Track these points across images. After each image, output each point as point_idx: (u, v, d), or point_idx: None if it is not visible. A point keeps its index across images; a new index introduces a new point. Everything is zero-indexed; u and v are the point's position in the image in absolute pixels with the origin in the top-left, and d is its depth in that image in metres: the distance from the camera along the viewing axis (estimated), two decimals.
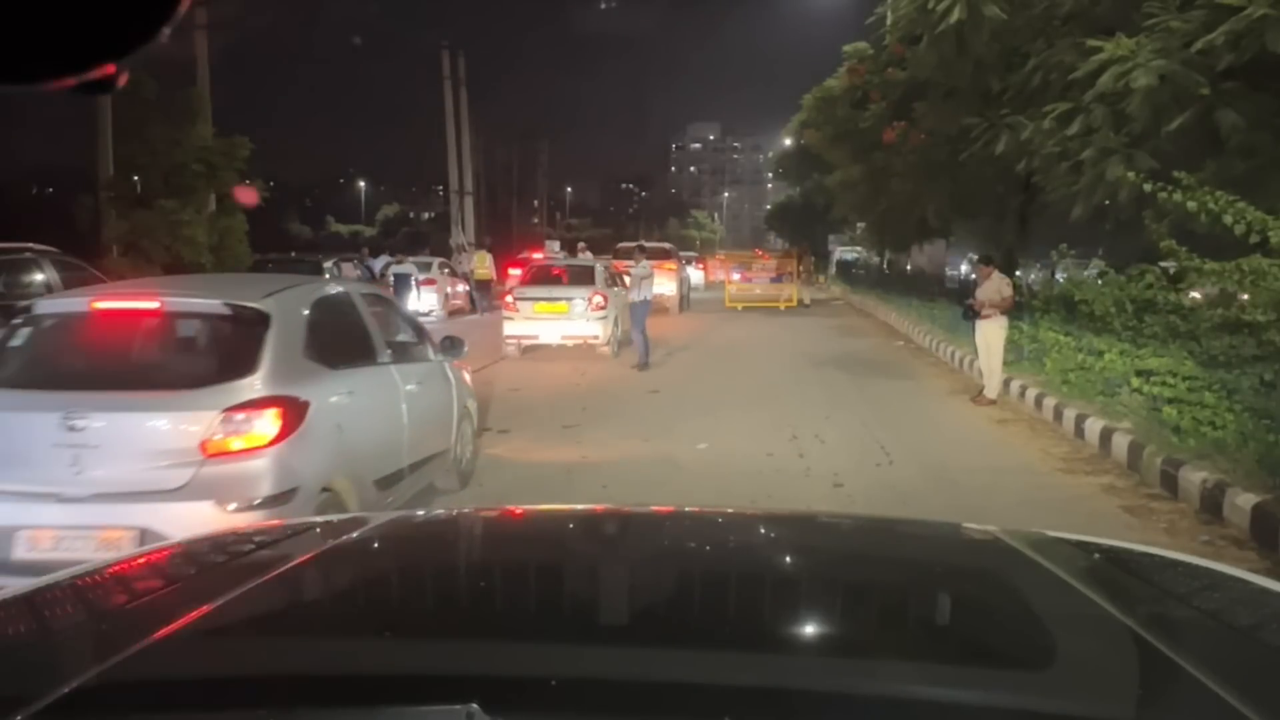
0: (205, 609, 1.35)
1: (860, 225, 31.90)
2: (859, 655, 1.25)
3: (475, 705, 0.90)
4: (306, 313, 4.79)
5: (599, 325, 14.02)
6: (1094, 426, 8.13)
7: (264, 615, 1.42)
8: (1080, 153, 9.62)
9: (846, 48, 23.87)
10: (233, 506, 3.98)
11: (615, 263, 18.14)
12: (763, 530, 2.15)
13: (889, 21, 15.13)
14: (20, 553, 3.90)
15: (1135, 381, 7.74)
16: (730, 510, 3.04)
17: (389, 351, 5.51)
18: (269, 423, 4.12)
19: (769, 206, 79.80)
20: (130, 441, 4.04)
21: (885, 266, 31.94)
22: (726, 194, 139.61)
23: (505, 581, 1.65)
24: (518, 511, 2.49)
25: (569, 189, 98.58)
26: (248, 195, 20.72)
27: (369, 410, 5.05)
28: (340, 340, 5.03)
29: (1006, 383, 10.49)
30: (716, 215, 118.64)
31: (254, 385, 4.17)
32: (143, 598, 1.54)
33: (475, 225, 31.57)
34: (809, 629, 1.44)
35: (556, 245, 42.74)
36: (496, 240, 40.15)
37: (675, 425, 9.08)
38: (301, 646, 1.28)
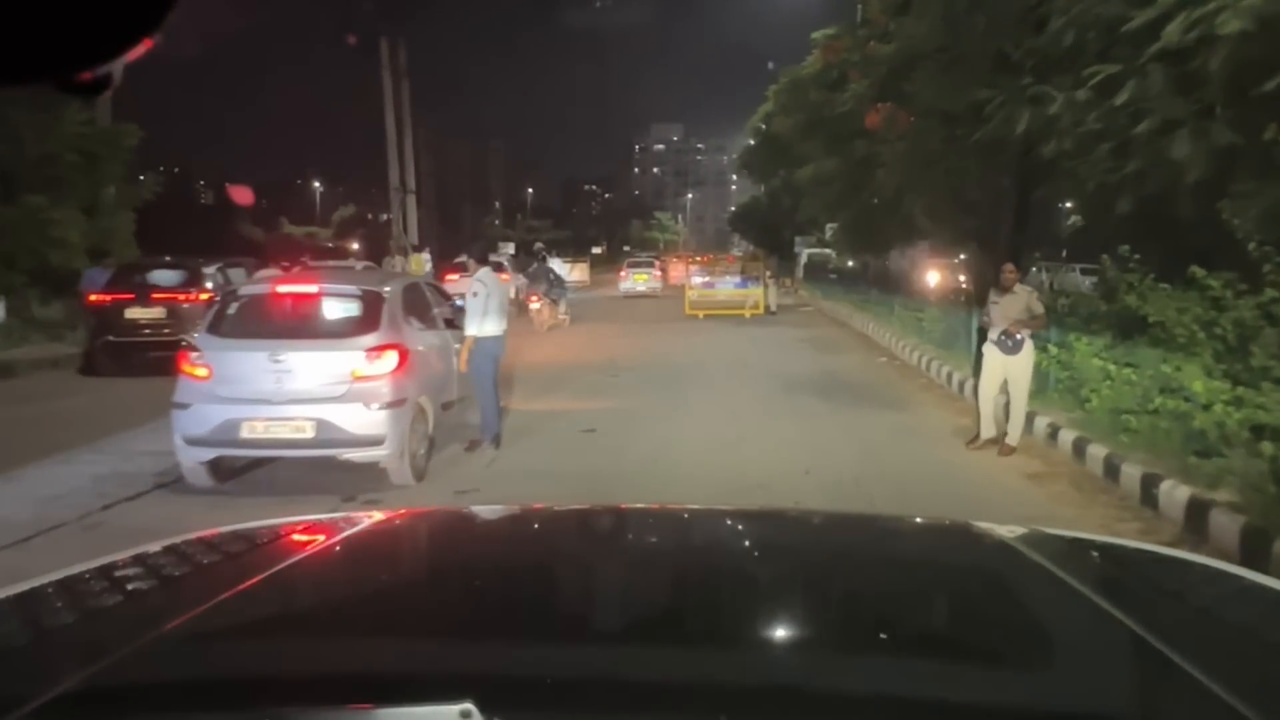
0: (200, 609, 1.33)
1: (831, 227, 29.67)
2: (856, 654, 1.25)
3: (471, 704, 0.91)
4: (402, 293, 7.56)
5: (659, 284, 34.14)
6: (1176, 494, 5.97)
7: (259, 615, 1.41)
8: (1132, 128, 7.44)
9: (815, 34, 21.82)
10: (374, 407, 6.62)
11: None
12: (761, 529, 2.11)
13: None
14: (244, 434, 6.59)
15: (1243, 435, 5.50)
16: (728, 509, 2.98)
17: (441, 324, 8.25)
18: (391, 359, 6.81)
19: (733, 208, 78.25)
20: (311, 369, 6.69)
21: (862, 270, 29.88)
22: (690, 195, 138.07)
23: (501, 580, 1.64)
24: (513, 510, 2.45)
25: (530, 190, 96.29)
26: (243, 195, 18.41)
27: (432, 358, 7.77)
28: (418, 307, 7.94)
29: (1029, 418, 8.31)
30: (680, 217, 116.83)
31: (380, 336, 6.87)
32: (138, 598, 1.49)
33: (418, 226, 29.30)
34: (807, 628, 1.41)
35: (511, 248, 40.91)
36: (445, 243, 37.91)
37: (614, 484, 6.89)
38: (297, 646, 1.29)
